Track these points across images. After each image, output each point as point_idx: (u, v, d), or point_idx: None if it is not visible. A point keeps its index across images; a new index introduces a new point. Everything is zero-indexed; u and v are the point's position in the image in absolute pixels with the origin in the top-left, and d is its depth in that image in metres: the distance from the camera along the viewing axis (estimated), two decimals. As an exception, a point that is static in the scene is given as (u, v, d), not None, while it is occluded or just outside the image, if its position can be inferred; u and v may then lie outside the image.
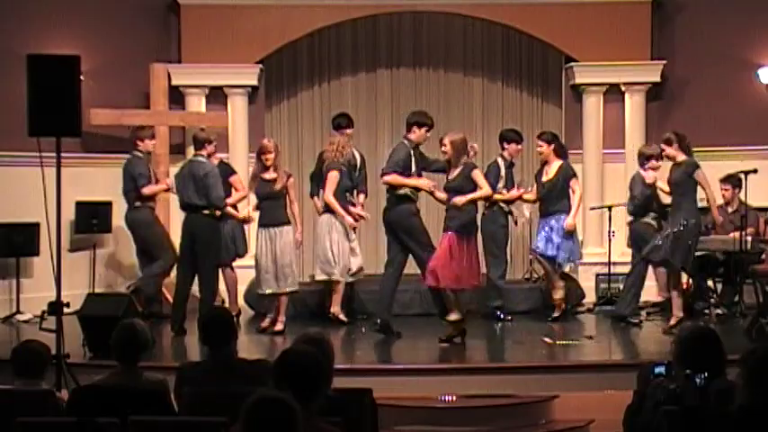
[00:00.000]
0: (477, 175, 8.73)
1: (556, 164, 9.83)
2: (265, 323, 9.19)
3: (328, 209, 9.46)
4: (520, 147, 10.13)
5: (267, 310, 9.35)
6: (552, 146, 9.87)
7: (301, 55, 11.92)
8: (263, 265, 9.04)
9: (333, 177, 9.38)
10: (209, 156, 9.21)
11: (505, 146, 9.98)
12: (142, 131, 10.04)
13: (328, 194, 9.37)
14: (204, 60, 11.01)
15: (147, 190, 9.80)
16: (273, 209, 9.04)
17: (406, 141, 8.88)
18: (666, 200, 9.45)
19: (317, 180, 9.79)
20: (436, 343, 8.52)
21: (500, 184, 9.77)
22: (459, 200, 8.56)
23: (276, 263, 8.99)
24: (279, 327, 9.04)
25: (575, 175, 9.90)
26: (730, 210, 10.05)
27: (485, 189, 8.76)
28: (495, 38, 12.00)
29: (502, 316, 9.74)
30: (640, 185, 9.50)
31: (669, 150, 9.06)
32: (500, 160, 9.95)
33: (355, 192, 9.77)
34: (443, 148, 8.75)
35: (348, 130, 9.87)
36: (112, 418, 4.43)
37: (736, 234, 9.40)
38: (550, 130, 10.63)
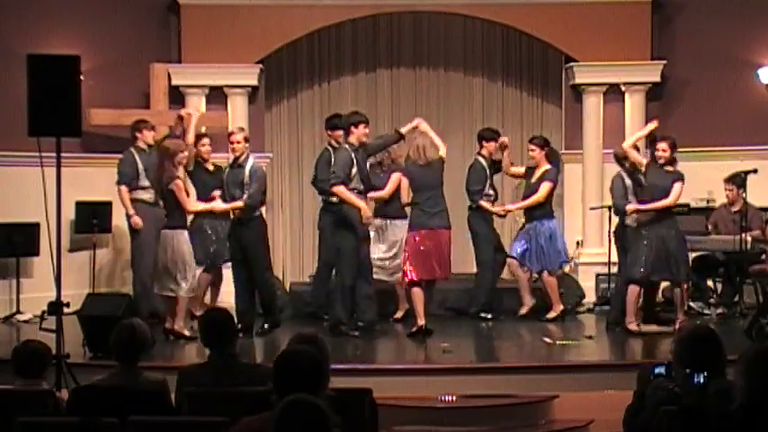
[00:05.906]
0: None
1: (543, 168, 9.82)
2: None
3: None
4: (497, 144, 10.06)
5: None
6: (544, 150, 9.85)
7: (301, 55, 11.91)
8: None
9: None
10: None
11: (484, 144, 9.92)
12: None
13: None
14: (204, 60, 11.01)
15: None
16: None
17: (347, 146, 8.77)
18: None
19: None
20: (436, 343, 8.52)
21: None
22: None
23: None
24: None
25: (552, 180, 9.79)
26: (734, 209, 10.04)
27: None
28: (495, 38, 12.00)
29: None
30: None
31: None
32: (482, 160, 9.92)
33: None
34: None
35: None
36: (112, 418, 4.43)
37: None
38: (543, 132, 10.71)
